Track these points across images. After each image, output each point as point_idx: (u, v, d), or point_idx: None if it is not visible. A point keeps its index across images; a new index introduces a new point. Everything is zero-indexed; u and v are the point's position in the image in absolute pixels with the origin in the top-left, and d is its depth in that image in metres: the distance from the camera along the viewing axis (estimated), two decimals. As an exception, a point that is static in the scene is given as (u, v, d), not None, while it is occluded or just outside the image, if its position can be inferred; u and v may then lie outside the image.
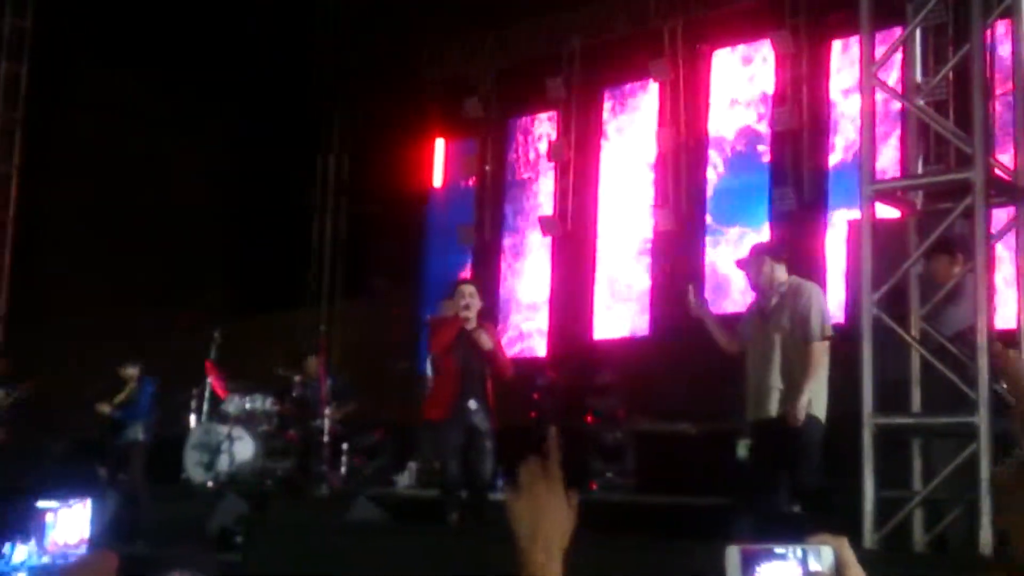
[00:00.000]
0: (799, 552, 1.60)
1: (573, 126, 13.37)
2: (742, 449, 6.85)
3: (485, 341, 7.78)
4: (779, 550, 1.60)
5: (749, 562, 1.60)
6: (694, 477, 8.79)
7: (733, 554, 1.61)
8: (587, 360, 11.54)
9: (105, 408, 10.15)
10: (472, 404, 7.79)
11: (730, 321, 7.23)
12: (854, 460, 5.66)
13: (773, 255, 6.80)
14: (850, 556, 1.60)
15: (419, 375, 10.86)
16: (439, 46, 14.26)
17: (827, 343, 6.35)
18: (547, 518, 1.75)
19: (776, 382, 6.40)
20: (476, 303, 7.92)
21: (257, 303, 14.34)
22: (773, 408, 6.38)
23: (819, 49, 11.60)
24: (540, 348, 13.29)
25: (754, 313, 6.78)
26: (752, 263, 6.76)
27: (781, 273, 6.68)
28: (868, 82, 5.94)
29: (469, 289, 8.00)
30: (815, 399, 6.28)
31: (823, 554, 1.60)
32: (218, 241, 14.72)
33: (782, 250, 6.93)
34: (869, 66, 5.95)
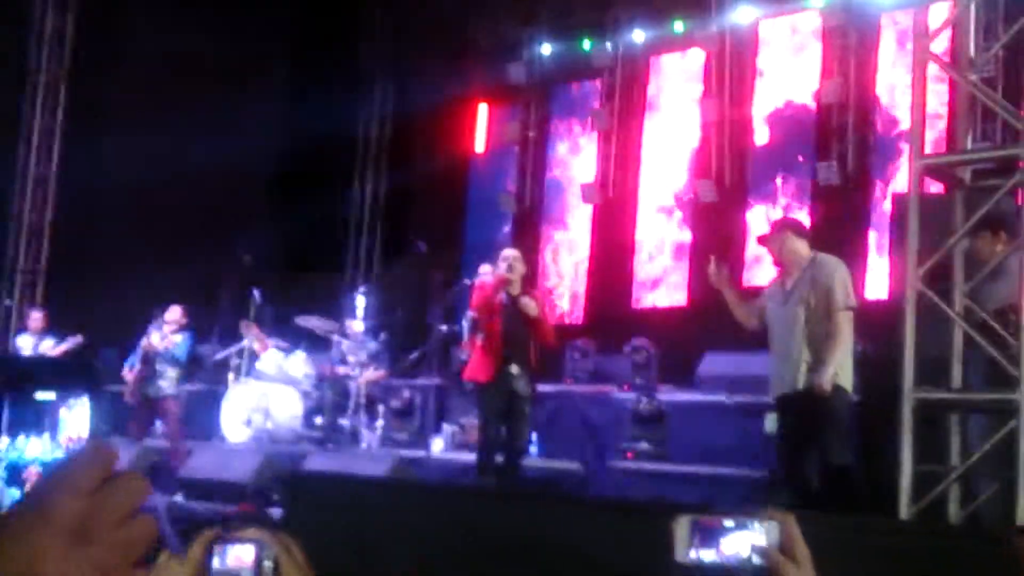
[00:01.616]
0: (747, 525, 1.62)
1: (617, 94, 13.32)
2: (770, 423, 6.88)
3: (531, 307, 7.83)
4: (727, 523, 1.63)
5: (697, 534, 1.63)
6: (728, 448, 8.81)
7: (683, 524, 1.63)
8: (624, 328, 11.54)
9: (156, 340, 10.12)
10: (515, 369, 7.85)
11: (755, 294, 7.26)
12: (889, 435, 5.66)
13: (795, 230, 6.84)
14: (796, 532, 1.62)
15: (458, 338, 10.92)
16: (486, 10, 14.22)
17: (851, 314, 6.41)
18: None
19: (802, 355, 6.43)
20: (519, 268, 7.97)
21: (298, 264, 14.42)
22: (799, 381, 6.41)
23: (868, 21, 11.48)
24: (578, 315, 13.31)
25: (776, 288, 6.82)
26: (774, 239, 6.82)
27: (803, 248, 6.72)
28: (921, 55, 5.89)
29: (513, 254, 8.05)
30: (841, 370, 6.33)
31: (769, 528, 1.62)
32: (261, 199, 14.80)
33: (804, 226, 6.96)
34: (922, 39, 5.89)
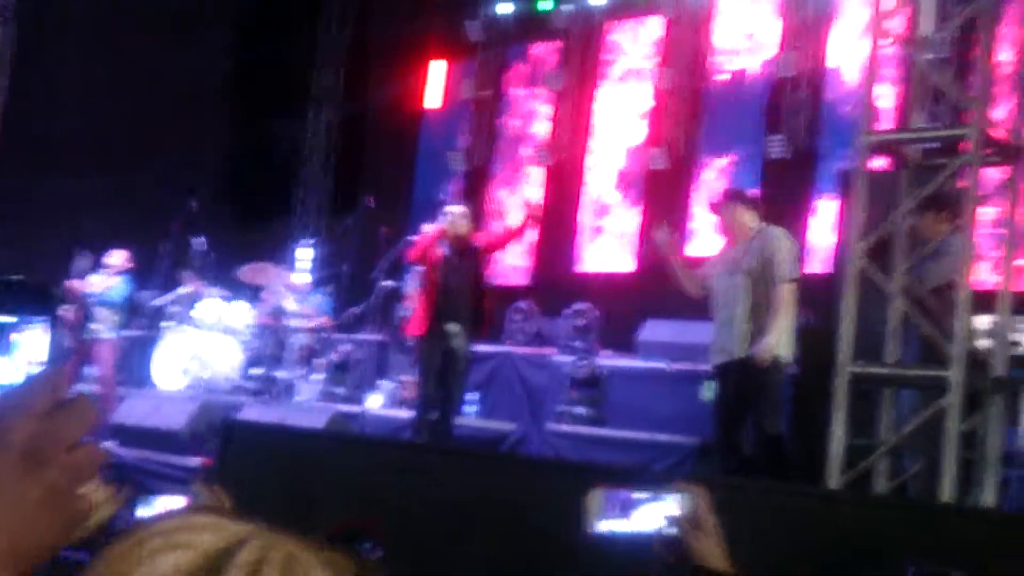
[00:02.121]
0: (659, 497, 1.64)
1: (573, 57, 13.26)
2: (708, 391, 6.96)
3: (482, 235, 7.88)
4: (639, 494, 1.64)
5: (612, 505, 1.63)
6: (665, 415, 8.86)
7: (595, 497, 1.63)
8: (568, 291, 11.55)
9: (78, 284, 10.03)
10: (452, 327, 7.83)
11: (699, 264, 7.30)
12: (819, 408, 5.73)
13: (745, 201, 6.89)
14: (705, 504, 1.65)
15: (401, 294, 10.88)
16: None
17: (794, 285, 6.47)
18: None
19: (744, 324, 6.51)
20: (464, 223, 7.94)
21: (245, 213, 14.28)
22: (740, 349, 6.48)
23: (826, -2, 11.49)
24: (523, 276, 13.29)
25: (723, 257, 6.87)
26: (724, 208, 6.89)
27: (752, 219, 6.78)
28: (876, 32, 5.90)
29: (458, 209, 8.03)
30: (781, 341, 6.39)
31: (682, 501, 1.64)
32: (209, 147, 14.60)
33: (754, 197, 7.02)
34: (878, 15, 5.90)
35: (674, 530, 1.63)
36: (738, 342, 6.52)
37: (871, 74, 6.13)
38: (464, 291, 7.90)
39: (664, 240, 6.97)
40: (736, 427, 6.55)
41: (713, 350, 6.80)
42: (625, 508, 1.65)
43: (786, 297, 6.42)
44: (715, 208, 7.04)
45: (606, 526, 1.64)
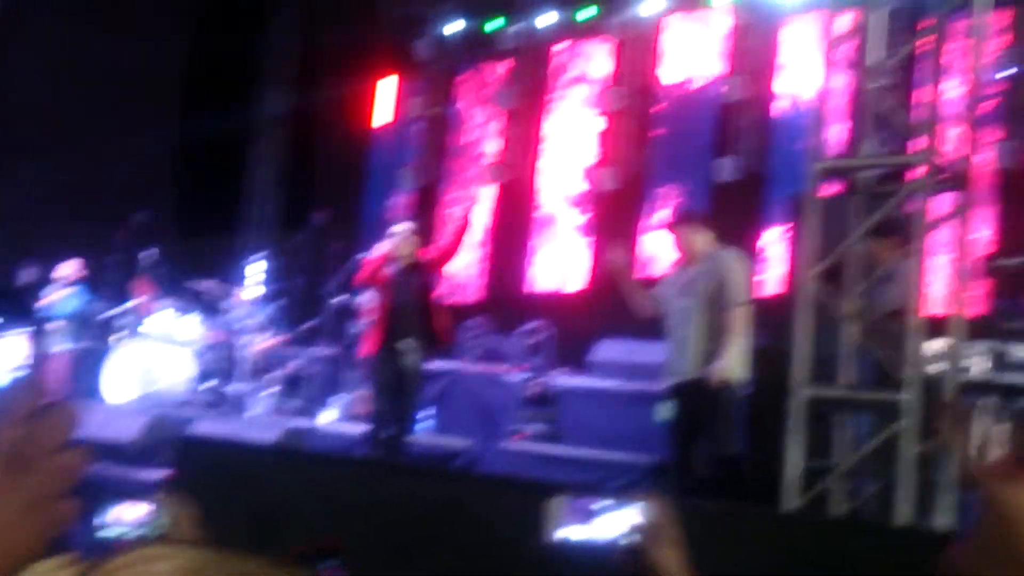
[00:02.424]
0: (620, 506, 1.66)
1: (524, 76, 13.34)
2: (663, 410, 7.03)
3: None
4: (600, 504, 1.67)
5: (572, 513, 1.66)
6: (619, 434, 8.92)
7: (557, 505, 1.66)
8: (522, 309, 11.60)
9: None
10: (404, 344, 7.85)
11: (651, 284, 7.39)
12: (778, 429, 5.81)
13: (699, 223, 6.97)
14: (667, 515, 1.67)
15: (353, 310, 10.86)
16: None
17: (747, 308, 6.55)
18: None
19: (697, 345, 6.57)
20: (410, 242, 7.96)
21: (193, 226, 14.16)
22: (693, 371, 6.55)
23: (772, 22, 11.66)
24: (476, 293, 13.32)
25: (676, 278, 6.94)
26: (680, 229, 6.95)
27: (707, 241, 6.85)
28: (826, 58, 6.02)
29: (404, 228, 8.05)
30: (735, 363, 6.47)
31: (644, 510, 1.66)
32: (159, 159, 14.47)
33: (709, 219, 7.11)
34: (828, 42, 6.03)
35: (635, 539, 1.66)
36: (691, 363, 6.60)
37: (822, 101, 6.25)
38: (414, 309, 7.93)
39: (618, 260, 7.06)
40: (690, 447, 6.63)
41: (667, 371, 6.87)
42: (586, 516, 1.67)
43: (739, 320, 6.50)
44: (670, 228, 7.13)
45: (566, 533, 1.67)
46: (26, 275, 10.62)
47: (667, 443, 7.00)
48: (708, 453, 6.59)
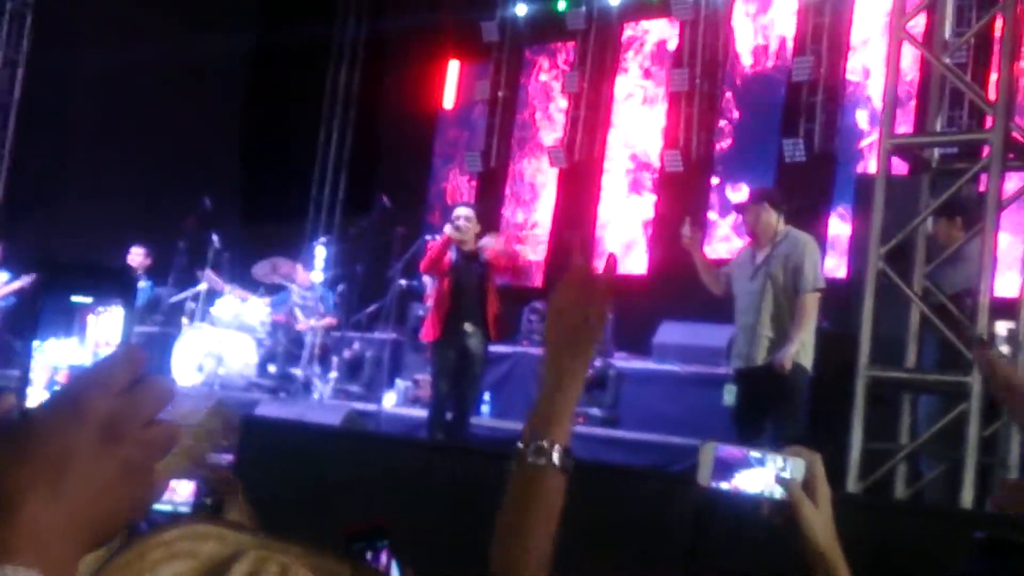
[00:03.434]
0: (773, 459, 1.62)
1: (589, 59, 13.28)
2: (729, 395, 6.92)
3: (490, 245, 7.78)
4: (754, 454, 1.63)
5: (724, 461, 1.62)
6: (679, 417, 8.87)
7: (709, 450, 1.63)
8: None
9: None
10: (467, 327, 7.84)
11: (719, 265, 7.28)
12: (839, 413, 5.72)
13: (772, 202, 6.82)
14: (820, 471, 1.62)
15: (417, 294, 10.90)
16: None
17: (818, 295, 6.40)
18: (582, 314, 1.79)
19: (765, 330, 6.45)
20: (471, 226, 7.92)
21: (261, 212, 14.32)
22: (760, 356, 6.43)
23: (842, 1, 11.49)
24: (537, 277, 13.31)
25: (746, 259, 6.81)
26: (750, 208, 6.79)
27: (778, 222, 6.70)
28: (897, 35, 5.90)
29: (465, 212, 8.00)
30: (803, 350, 6.33)
31: (796, 465, 1.62)
32: (224, 145, 14.64)
33: (782, 199, 6.94)
34: (900, 18, 5.90)
35: (785, 493, 1.62)
36: (758, 348, 6.48)
37: (891, 77, 6.12)
38: (475, 293, 7.91)
39: (690, 236, 6.93)
40: (755, 433, 6.53)
41: (733, 354, 6.76)
42: (736, 466, 1.64)
43: (809, 306, 6.34)
44: (741, 209, 6.97)
45: (716, 482, 1.64)
46: (131, 258, 10.87)
47: (731, 427, 6.88)
48: (773, 438, 6.50)
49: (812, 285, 6.38)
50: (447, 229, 8.00)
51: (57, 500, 0.83)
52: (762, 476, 1.60)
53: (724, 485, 1.62)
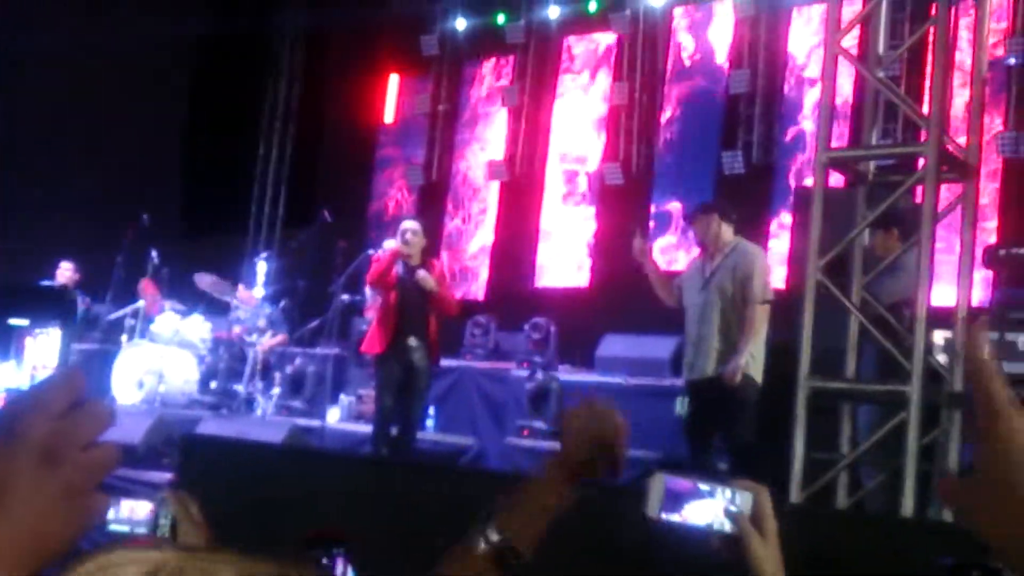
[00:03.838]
0: (722, 491, 1.63)
1: (529, 72, 13.32)
2: (680, 406, 6.95)
3: (428, 281, 7.80)
4: (703, 486, 1.63)
5: (673, 492, 1.63)
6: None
7: (659, 480, 1.63)
8: (525, 306, 11.58)
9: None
10: (412, 341, 7.82)
11: (672, 276, 7.33)
12: (784, 422, 5.78)
13: (722, 214, 6.86)
14: (768, 504, 1.63)
15: (359, 308, 10.87)
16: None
17: (767, 307, 6.46)
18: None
19: (714, 342, 6.49)
20: (418, 240, 7.91)
21: (199, 226, 14.19)
22: (710, 367, 6.48)
23: (779, 14, 11.64)
24: (480, 291, 13.32)
25: (696, 270, 6.85)
26: (700, 219, 6.84)
27: (728, 233, 6.75)
28: (831, 49, 6.00)
29: (412, 225, 7.99)
30: (752, 361, 6.40)
31: (744, 498, 1.62)
32: (163, 159, 14.50)
33: (731, 211, 7.00)
34: (834, 33, 6.00)
35: (733, 527, 1.62)
36: (707, 360, 6.50)
37: (827, 91, 6.22)
38: (420, 308, 7.90)
39: (640, 248, 6.95)
40: (706, 444, 6.58)
41: (685, 365, 6.79)
42: (685, 498, 1.64)
43: (758, 318, 6.38)
44: (691, 219, 7.00)
45: (665, 514, 1.63)
46: (59, 274, 10.72)
47: (677, 439, 6.93)
48: (724, 449, 6.54)
49: (760, 296, 6.42)
50: (395, 243, 7.98)
51: None
52: (711, 507, 1.61)
53: (673, 516, 1.62)
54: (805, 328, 5.70)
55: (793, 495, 5.46)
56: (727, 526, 1.59)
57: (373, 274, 8.06)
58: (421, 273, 7.81)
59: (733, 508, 1.60)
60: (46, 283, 10.46)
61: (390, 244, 8.66)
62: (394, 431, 7.99)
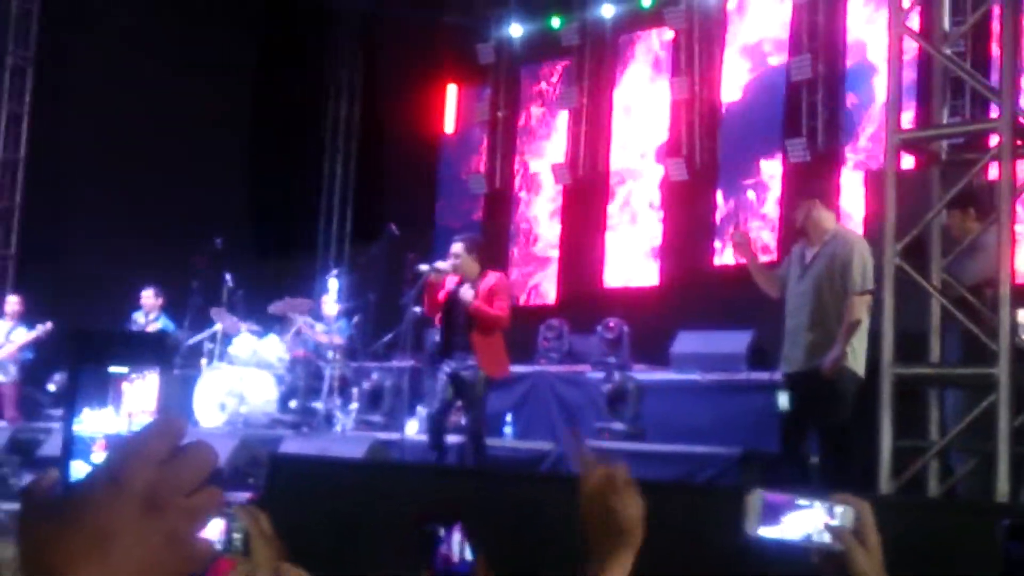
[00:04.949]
0: (820, 505, 1.61)
1: (586, 73, 13.30)
2: (783, 400, 6.67)
3: (465, 295, 7.83)
4: (802, 501, 1.61)
5: (771, 509, 1.60)
6: (702, 426, 8.85)
7: (756, 497, 1.61)
8: (597, 307, 11.55)
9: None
10: (458, 354, 7.87)
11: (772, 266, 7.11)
12: (870, 411, 5.66)
13: (824, 200, 6.60)
14: (870, 519, 1.60)
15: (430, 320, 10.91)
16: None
17: (868, 297, 6.19)
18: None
19: (809, 333, 6.26)
20: (459, 261, 7.94)
21: (270, 248, 14.36)
22: (805, 359, 6.29)
23: (836, -2, 11.50)
24: (550, 295, 13.31)
25: (796, 258, 6.60)
26: (801, 205, 6.56)
27: (829, 221, 6.49)
28: (896, 29, 5.89)
29: (455, 248, 8.04)
30: (852, 353, 6.16)
31: (845, 512, 1.60)
32: (230, 182, 14.70)
33: (832, 195, 6.66)
34: (898, 13, 5.90)
35: (835, 542, 1.60)
36: (802, 352, 6.31)
37: (894, 72, 6.10)
38: (466, 322, 7.96)
39: (741, 241, 6.78)
40: (800, 438, 6.37)
41: (783, 358, 6.52)
42: (783, 513, 1.62)
43: (857, 308, 6.12)
44: (791, 206, 6.75)
45: (764, 530, 1.62)
46: (144, 301, 10.96)
47: (781, 431, 6.65)
48: (819, 442, 6.33)
49: (860, 287, 6.17)
50: (442, 265, 8.00)
51: (104, 574, 0.83)
52: (809, 522, 1.59)
53: (771, 532, 1.60)
54: (886, 313, 5.59)
55: (883, 485, 5.36)
56: (827, 540, 1.57)
57: (430, 307, 8.16)
58: (462, 289, 7.89)
59: (834, 523, 1.58)
60: (140, 328, 10.68)
61: (443, 264, 8.71)
62: (447, 440, 8.11)
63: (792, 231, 6.78)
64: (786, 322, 6.49)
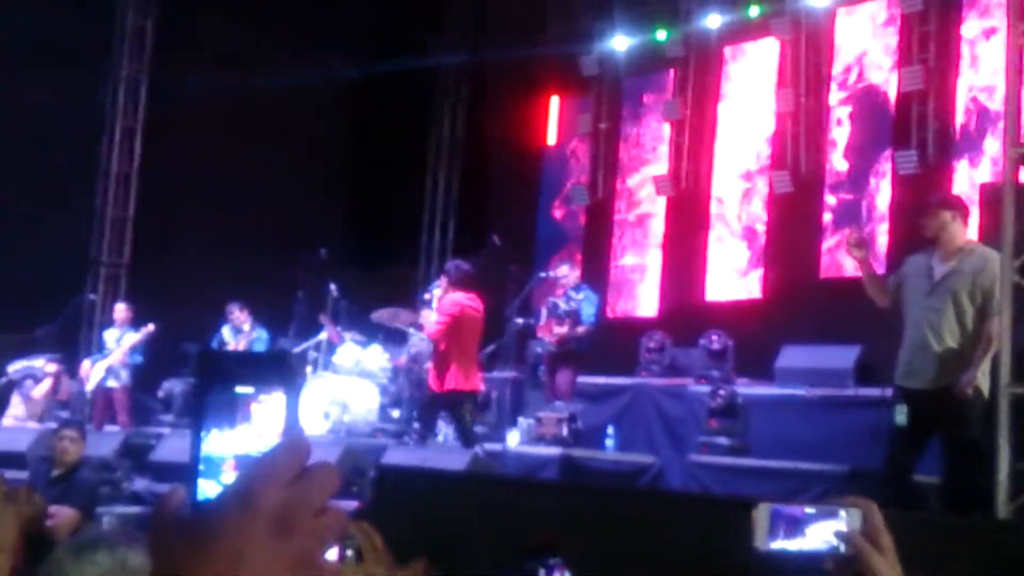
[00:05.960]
0: (828, 513, 1.60)
1: (690, 84, 13.20)
2: (900, 415, 6.45)
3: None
4: (809, 510, 1.60)
5: (779, 521, 1.60)
6: (807, 442, 8.71)
7: (763, 511, 1.60)
8: (699, 320, 11.44)
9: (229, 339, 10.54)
10: None
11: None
12: (990, 431, 5.50)
13: (961, 213, 6.32)
14: (879, 519, 1.58)
15: (534, 331, 10.97)
16: (560, 2, 14.21)
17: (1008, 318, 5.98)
18: None
19: (941, 351, 6.05)
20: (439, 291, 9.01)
21: (374, 258, 14.53)
22: (934, 377, 6.08)
23: (948, 7, 11.24)
24: (651, 307, 13.23)
25: (922, 269, 6.33)
26: (935, 214, 6.27)
27: (961, 233, 6.24)
28: (1015, 38, 5.75)
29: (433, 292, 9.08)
30: (982, 371, 5.96)
31: (852, 516, 1.59)
32: (336, 194, 14.93)
33: (967, 210, 6.41)
34: (1017, 23, 5.76)
35: (848, 548, 1.59)
36: (932, 369, 6.09)
37: (1013, 83, 5.94)
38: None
39: (856, 248, 6.57)
40: (913, 455, 6.18)
41: (904, 371, 6.29)
42: (793, 525, 1.62)
43: (996, 332, 5.89)
44: (923, 214, 6.42)
45: (773, 544, 1.61)
46: (232, 317, 11.21)
47: (890, 447, 6.44)
48: (944, 465, 6.12)
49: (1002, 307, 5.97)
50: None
51: None
52: (820, 531, 1.58)
53: (781, 545, 1.59)
54: (1004, 332, 5.45)
55: (1000, 508, 5.21)
56: (841, 547, 1.56)
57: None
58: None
59: (843, 528, 1.57)
60: (234, 339, 10.94)
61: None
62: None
63: (901, 245, 6.61)
64: (908, 334, 6.25)
